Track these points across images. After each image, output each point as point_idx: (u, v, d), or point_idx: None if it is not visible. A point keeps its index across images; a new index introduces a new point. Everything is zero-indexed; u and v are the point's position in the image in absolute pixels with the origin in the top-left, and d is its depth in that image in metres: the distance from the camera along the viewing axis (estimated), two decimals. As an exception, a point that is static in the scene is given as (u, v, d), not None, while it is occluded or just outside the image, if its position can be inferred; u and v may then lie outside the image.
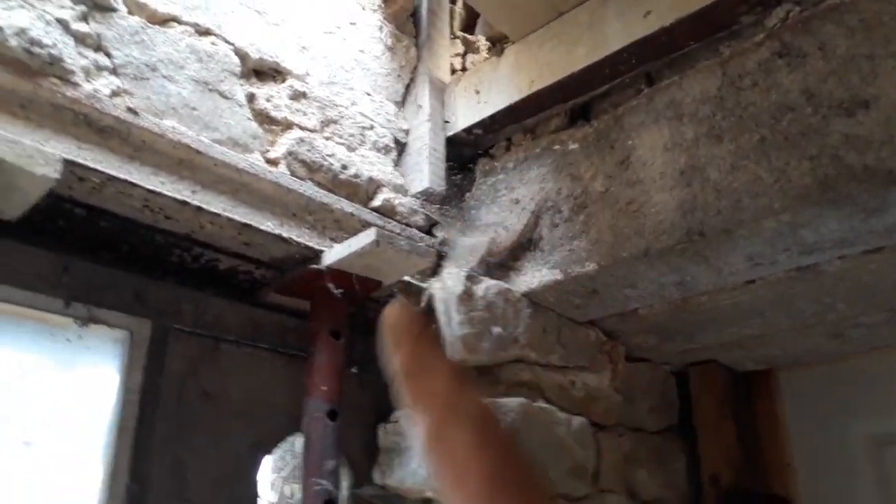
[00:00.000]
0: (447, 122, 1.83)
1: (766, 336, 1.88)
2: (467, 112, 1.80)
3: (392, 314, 0.49)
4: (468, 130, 1.80)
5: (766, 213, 1.27)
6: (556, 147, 1.66)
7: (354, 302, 1.52)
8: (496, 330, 1.50)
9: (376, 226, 1.53)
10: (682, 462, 2.05)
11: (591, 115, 1.65)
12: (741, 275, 1.49)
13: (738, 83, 1.38)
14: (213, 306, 1.48)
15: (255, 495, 1.43)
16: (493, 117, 1.75)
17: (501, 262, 1.61)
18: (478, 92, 1.79)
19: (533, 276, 1.56)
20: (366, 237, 1.37)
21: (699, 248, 1.38)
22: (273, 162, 1.48)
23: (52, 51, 1.19)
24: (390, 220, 1.64)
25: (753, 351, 2.01)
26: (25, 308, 1.26)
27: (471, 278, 1.52)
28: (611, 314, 1.70)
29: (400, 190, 1.71)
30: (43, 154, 1.11)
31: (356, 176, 1.62)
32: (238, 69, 1.48)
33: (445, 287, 1.53)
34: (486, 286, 1.53)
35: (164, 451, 1.31)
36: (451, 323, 1.49)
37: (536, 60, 1.67)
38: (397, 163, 1.78)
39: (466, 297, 1.49)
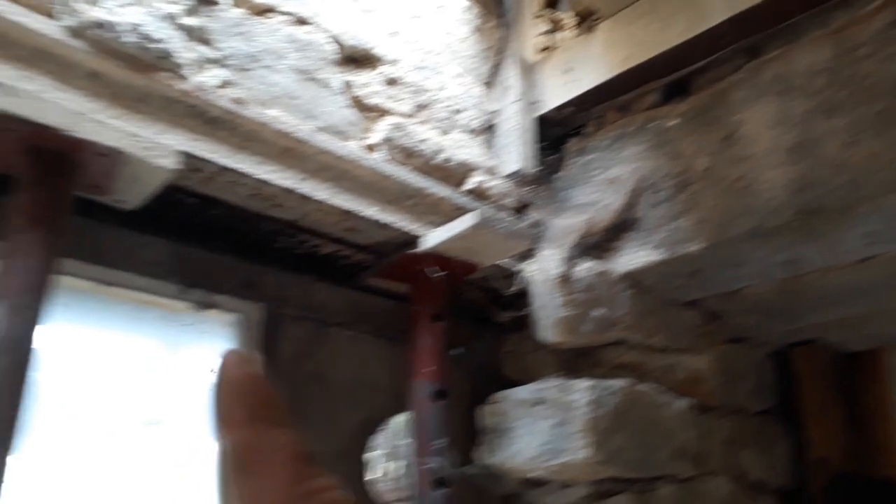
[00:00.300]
0: (536, 101, 1.81)
1: (876, 315, 1.79)
2: (557, 91, 1.77)
3: (230, 370, 0.32)
4: (558, 110, 1.77)
5: (888, 189, 1.21)
6: (653, 124, 1.62)
7: (451, 285, 1.53)
8: (596, 312, 1.49)
9: (470, 209, 1.52)
10: (785, 445, 1.99)
11: (689, 90, 1.60)
12: (855, 253, 1.43)
13: (853, 54, 1.31)
14: (318, 291, 1.51)
15: (364, 473, 1.46)
16: (584, 95, 1.71)
17: (598, 243, 1.58)
18: (568, 70, 1.76)
19: (633, 256, 1.53)
20: (467, 220, 1.37)
21: (813, 227, 1.33)
22: (371, 148, 1.49)
23: (164, 45, 1.23)
24: (483, 203, 1.64)
25: (860, 330, 1.93)
26: (145, 294, 1.31)
27: (569, 260, 1.51)
28: (713, 294, 1.65)
29: (491, 172, 1.71)
30: (162, 146, 1.15)
31: (448, 160, 1.62)
32: (334, 57, 1.50)
33: (543, 269, 1.52)
34: (585, 268, 1.51)
35: (280, 431, 1.35)
36: (550, 305, 1.48)
37: (630, 36, 1.62)
38: (488, 145, 1.77)
39: (565, 279, 1.48)
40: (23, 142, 1.05)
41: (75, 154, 1.08)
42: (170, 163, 1.15)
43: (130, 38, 1.19)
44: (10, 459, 0.92)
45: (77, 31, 1.13)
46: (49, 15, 1.13)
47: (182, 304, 1.33)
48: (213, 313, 1.36)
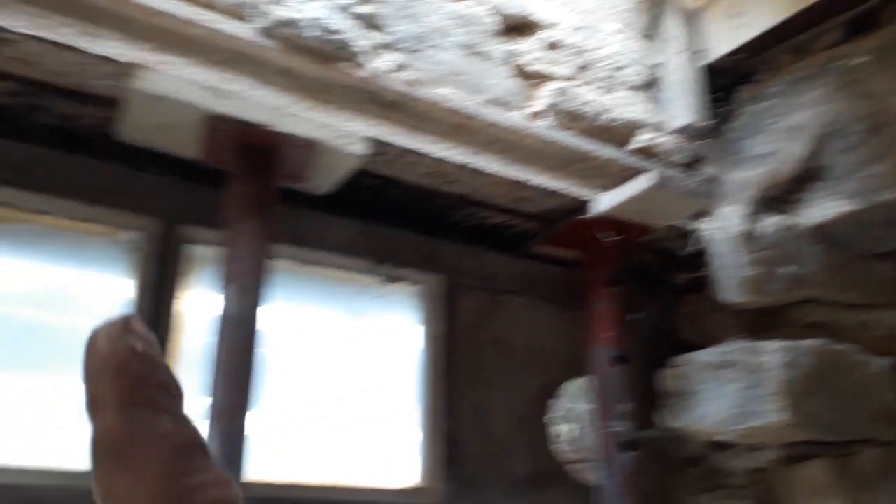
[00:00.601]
0: (701, 50, 1.72)
1: None
2: (724, 37, 1.68)
3: (101, 344, 0.28)
4: (727, 57, 1.68)
5: None
6: (836, 64, 1.50)
7: (625, 249, 1.52)
8: (784, 269, 1.42)
9: (638, 169, 1.49)
10: None
11: (878, 23, 1.47)
12: None
13: None
14: (490, 261, 1.56)
15: (546, 434, 1.51)
16: (755, 40, 1.61)
17: (782, 196, 1.50)
18: (735, 15, 1.66)
19: (821, 207, 1.44)
20: (642, 182, 1.35)
21: None
22: (535, 116, 1.49)
23: (341, 35, 1.29)
24: (651, 161, 1.60)
25: None
26: (337, 270, 1.42)
27: (751, 215, 1.45)
28: (912, 244, 1.53)
29: (658, 128, 1.65)
30: (350, 133, 1.23)
31: (613, 120, 1.59)
32: (495, 28, 1.51)
33: (723, 227, 1.47)
34: (769, 223, 1.45)
35: (467, 392, 1.43)
36: (733, 264, 1.43)
37: (807, -29, 1.51)
38: (653, 100, 1.71)
39: (748, 235, 1.42)
40: (233, 140, 1.15)
41: (277, 147, 1.18)
42: (359, 149, 1.22)
43: (312, 33, 1.26)
44: (249, 416, 1.05)
45: (268, 32, 1.22)
46: (241, 18, 1.22)
47: (372, 278, 1.42)
48: (400, 286, 1.44)
